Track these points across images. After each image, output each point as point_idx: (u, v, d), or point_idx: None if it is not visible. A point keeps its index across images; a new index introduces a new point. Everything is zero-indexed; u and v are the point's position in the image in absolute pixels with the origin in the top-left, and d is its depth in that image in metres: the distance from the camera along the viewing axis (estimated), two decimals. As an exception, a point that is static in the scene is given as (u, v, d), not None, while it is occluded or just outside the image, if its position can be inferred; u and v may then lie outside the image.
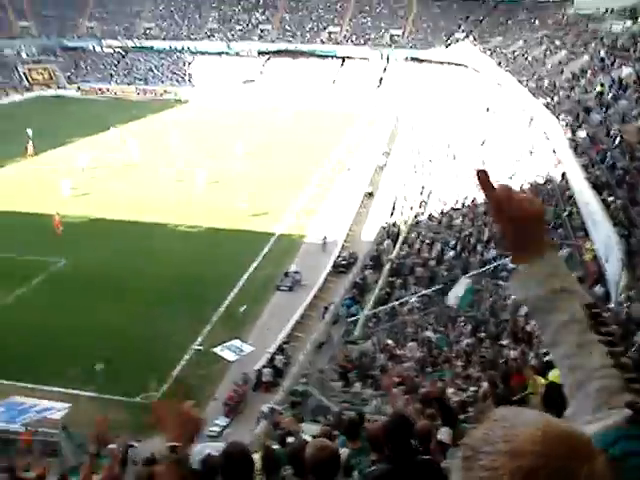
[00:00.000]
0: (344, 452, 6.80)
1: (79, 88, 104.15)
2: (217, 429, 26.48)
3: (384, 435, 4.76)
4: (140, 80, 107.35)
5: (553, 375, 11.25)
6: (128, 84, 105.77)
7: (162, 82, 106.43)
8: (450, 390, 20.59)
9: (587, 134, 35.76)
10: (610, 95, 38.33)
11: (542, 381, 10.95)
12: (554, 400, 5.35)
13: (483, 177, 1.83)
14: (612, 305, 19.34)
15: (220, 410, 28.09)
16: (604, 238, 23.56)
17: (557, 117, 42.86)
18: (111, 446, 22.95)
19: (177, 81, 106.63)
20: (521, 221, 1.79)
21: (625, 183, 26.66)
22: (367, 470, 4.91)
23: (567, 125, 39.79)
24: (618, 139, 31.02)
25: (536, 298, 1.73)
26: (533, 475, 0.98)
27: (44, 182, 53.70)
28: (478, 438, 1.09)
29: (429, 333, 27.14)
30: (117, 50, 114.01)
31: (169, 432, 2.98)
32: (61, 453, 23.73)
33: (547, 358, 15.26)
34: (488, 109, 62.59)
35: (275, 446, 8.82)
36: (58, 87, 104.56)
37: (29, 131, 64.93)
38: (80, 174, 55.15)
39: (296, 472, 5.22)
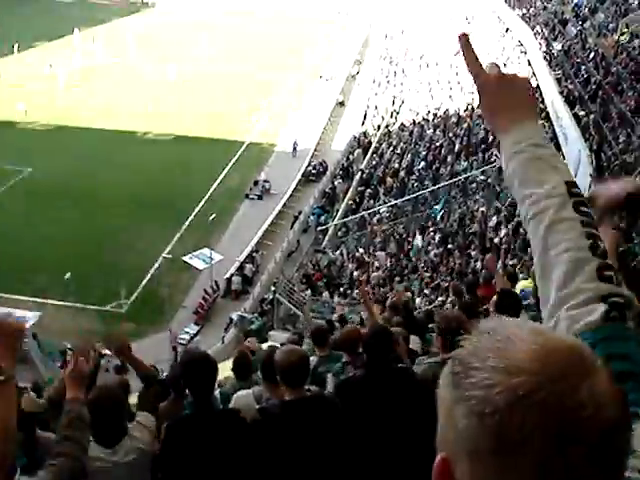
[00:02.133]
0: (313, 359, 6.89)
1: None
2: (187, 337, 26.76)
3: (362, 343, 4.80)
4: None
5: (520, 286, 11.43)
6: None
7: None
8: (418, 299, 20.96)
9: (562, 47, 35.39)
10: (587, 7, 37.77)
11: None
12: (507, 306, 5.38)
13: (465, 41, 1.79)
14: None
15: (190, 318, 28.35)
16: (574, 153, 23.58)
17: (532, 29, 42.31)
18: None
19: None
20: (506, 82, 1.75)
21: (598, 98, 26.56)
22: (343, 376, 4.97)
23: (542, 37, 39.34)
24: (593, 53, 30.76)
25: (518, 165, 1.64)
26: (531, 394, 0.93)
27: (7, 89, 52.09)
28: (468, 352, 1.02)
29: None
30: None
31: None
32: (31, 361, 23.86)
33: (516, 269, 15.48)
34: (468, 20, 61.52)
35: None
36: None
37: None
38: (47, 79, 53.69)
39: (266, 378, 5.27)
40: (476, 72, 1.77)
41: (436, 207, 29.46)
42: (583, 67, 30.40)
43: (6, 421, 2.74)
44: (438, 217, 29.19)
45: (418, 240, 27.09)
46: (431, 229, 28.90)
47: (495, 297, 5.70)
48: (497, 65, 1.75)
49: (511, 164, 1.64)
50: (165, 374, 10.85)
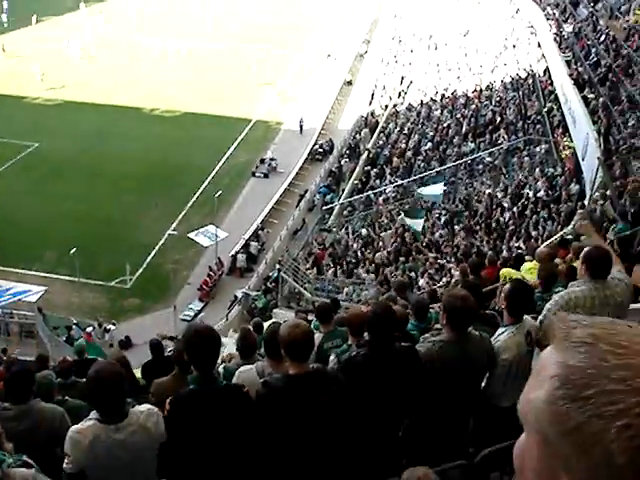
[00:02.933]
0: (317, 337, 6.92)
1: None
2: (191, 313, 26.87)
3: (367, 322, 4.80)
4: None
5: (525, 268, 11.45)
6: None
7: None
8: (422, 280, 20.99)
9: (573, 29, 35.15)
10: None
11: (513, 274, 11.10)
12: (520, 297, 5.33)
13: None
14: (586, 203, 19.50)
15: (194, 294, 28.44)
16: (583, 136, 23.49)
17: (543, 10, 42.02)
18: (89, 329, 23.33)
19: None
20: None
21: (607, 81, 26.41)
22: (346, 355, 4.98)
23: (552, 19, 39.07)
24: (604, 35, 30.55)
25: None
26: None
27: (16, 65, 51.98)
28: (583, 371, 0.90)
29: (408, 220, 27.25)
30: None
31: None
32: (37, 335, 24.02)
33: (519, 251, 15.47)
34: (478, 1, 61.00)
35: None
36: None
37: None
38: (55, 56, 53.51)
39: (269, 353, 5.29)
40: None
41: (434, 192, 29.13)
42: (594, 49, 30.23)
43: None
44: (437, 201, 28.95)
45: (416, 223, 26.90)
46: (436, 210, 28.86)
47: (508, 286, 5.64)
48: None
49: None
50: (169, 350, 10.96)
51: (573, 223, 17.52)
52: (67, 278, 27.60)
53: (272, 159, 38.79)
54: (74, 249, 25.62)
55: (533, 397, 0.98)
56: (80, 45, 55.28)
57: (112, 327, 25.29)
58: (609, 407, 0.87)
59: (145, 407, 4.19)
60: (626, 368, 0.89)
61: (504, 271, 11.66)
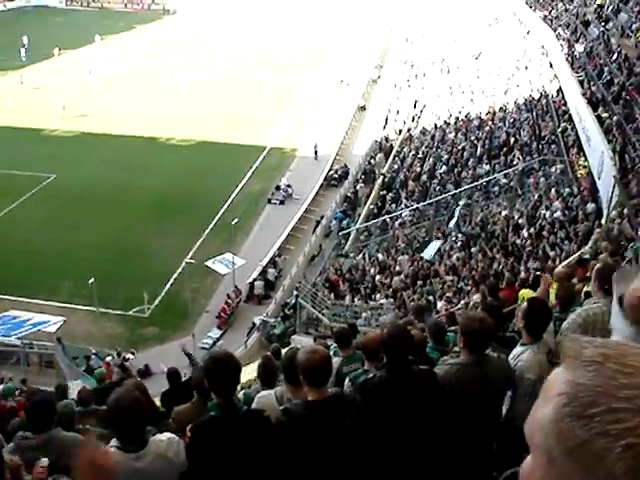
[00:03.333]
0: (336, 361, 6.93)
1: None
2: (210, 341, 26.87)
3: (382, 345, 4.81)
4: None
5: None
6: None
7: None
8: (440, 303, 20.91)
9: (585, 49, 35.19)
10: (610, 8, 37.52)
11: (532, 295, 11.06)
12: (538, 316, 5.31)
13: None
14: (603, 222, 19.42)
15: (213, 322, 28.45)
16: (598, 155, 23.46)
17: (554, 30, 42.13)
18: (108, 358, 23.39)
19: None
20: None
21: (621, 99, 26.38)
22: (362, 378, 4.98)
23: (564, 40, 39.15)
24: (616, 54, 30.56)
25: None
26: None
27: (35, 97, 52.64)
28: (589, 389, 0.90)
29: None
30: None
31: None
32: (57, 365, 24.12)
33: (537, 273, 15.40)
34: (489, 23, 61.30)
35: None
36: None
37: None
38: (72, 88, 54.21)
39: (288, 379, 5.30)
40: None
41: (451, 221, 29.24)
42: (606, 68, 30.22)
43: None
44: (452, 225, 29.07)
45: (430, 249, 26.82)
46: (453, 233, 28.82)
47: (525, 305, 5.62)
48: None
49: None
50: (187, 377, 10.97)
51: (591, 241, 17.48)
52: (86, 308, 27.70)
53: (288, 185, 38.92)
54: (92, 279, 25.75)
55: (540, 416, 0.98)
56: (99, 75, 56.02)
57: (131, 356, 25.34)
58: (614, 425, 0.86)
59: (166, 436, 4.20)
60: (633, 387, 0.89)
61: (523, 292, 11.63)
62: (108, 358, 24.15)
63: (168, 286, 29.78)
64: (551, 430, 0.94)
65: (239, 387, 9.37)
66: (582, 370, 0.93)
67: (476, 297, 13.91)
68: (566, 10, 45.50)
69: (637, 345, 0.98)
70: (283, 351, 10.08)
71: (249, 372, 12.55)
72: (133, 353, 25.70)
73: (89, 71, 56.55)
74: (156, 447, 4.03)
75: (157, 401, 9.20)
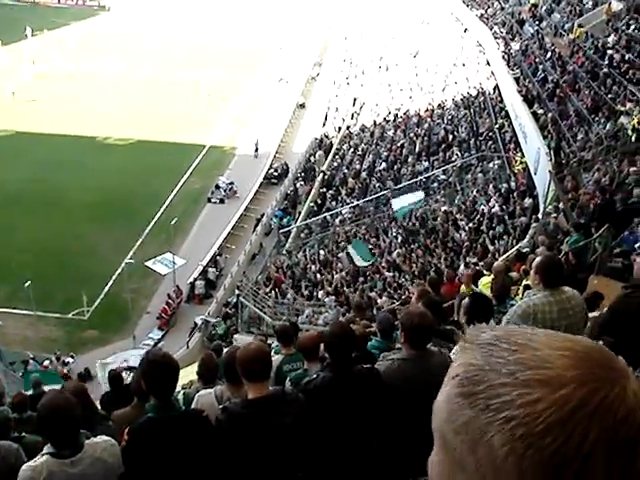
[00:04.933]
0: (277, 358, 6.87)
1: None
2: (151, 342, 26.54)
3: (325, 344, 4.76)
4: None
5: (482, 283, 11.52)
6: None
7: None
8: (381, 299, 21.03)
9: (520, 47, 35.80)
10: (544, 8, 38.25)
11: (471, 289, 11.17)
12: (480, 311, 5.36)
13: None
14: (540, 216, 19.75)
15: (154, 323, 28.12)
16: (534, 151, 23.86)
17: (490, 29, 42.76)
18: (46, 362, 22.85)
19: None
20: None
21: (555, 96, 26.90)
22: (306, 379, 4.91)
23: (500, 38, 39.76)
24: (550, 53, 31.14)
25: None
26: (583, 405, 0.84)
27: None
28: (479, 368, 0.90)
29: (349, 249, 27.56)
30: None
31: None
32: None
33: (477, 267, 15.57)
34: (427, 21, 61.87)
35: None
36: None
37: None
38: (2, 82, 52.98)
39: (228, 377, 5.21)
40: None
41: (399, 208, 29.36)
42: (541, 66, 30.79)
43: None
44: (399, 216, 29.29)
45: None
46: (394, 229, 29.00)
47: (467, 300, 5.65)
48: None
49: None
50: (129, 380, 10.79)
51: (529, 235, 17.78)
52: (23, 312, 27.04)
53: (231, 183, 38.64)
54: (29, 281, 25.19)
55: (437, 400, 0.99)
56: (32, 72, 54.84)
57: (70, 360, 24.86)
58: (494, 400, 0.87)
59: (101, 438, 4.08)
60: (516, 362, 0.89)
61: (463, 287, 11.74)
62: (46, 362, 23.66)
63: (107, 287, 29.30)
64: (443, 411, 0.95)
65: (179, 387, 9.24)
66: (476, 352, 0.94)
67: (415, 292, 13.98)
68: (502, 9, 46.27)
69: (526, 327, 0.99)
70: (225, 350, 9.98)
71: (191, 372, 12.40)
72: (72, 357, 25.22)
73: (32, 61, 55.12)
74: (92, 450, 3.89)
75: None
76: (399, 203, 28.40)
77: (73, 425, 3.86)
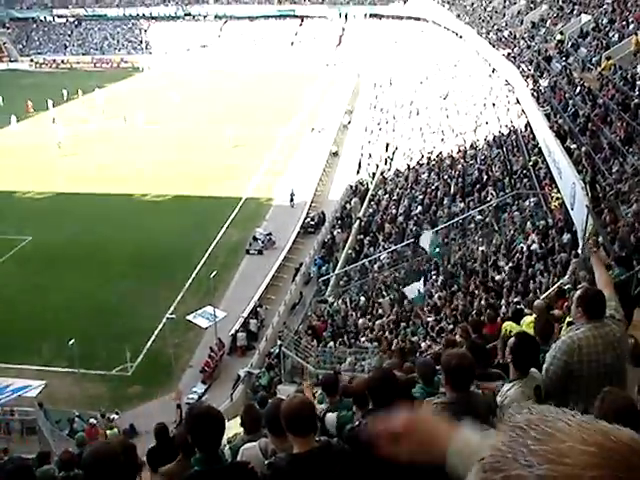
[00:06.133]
0: (322, 407, 6.85)
1: (32, 60, 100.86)
2: (195, 396, 26.51)
3: (367, 389, 4.75)
4: (95, 50, 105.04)
5: (525, 323, 11.39)
6: (83, 54, 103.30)
7: (118, 50, 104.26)
8: (424, 343, 20.84)
9: (548, 83, 35.82)
10: (570, 43, 38.32)
11: (515, 328, 11.03)
12: (526, 350, 5.30)
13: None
14: (580, 251, 19.52)
15: (197, 377, 28.15)
16: (569, 186, 23.68)
17: (518, 67, 42.86)
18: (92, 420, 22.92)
19: (134, 49, 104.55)
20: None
21: (587, 130, 26.78)
22: (348, 426, 4.90)
23: (528, 76, 39.81)
24: (579, 87, 31.10)
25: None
26: None
27: (10, 157, 52.68)
28: (504, 455, 0.89)
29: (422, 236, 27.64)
30: (69, 19, 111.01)
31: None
32: (39, 431, 23.63)
33: (519, 306, 15.40)
34: (455, 64, 62.30)
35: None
36: (10, 61, 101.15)
37: None
38: (43, 148, 54.35)
39: (272, 429, 5.20)
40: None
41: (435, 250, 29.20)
42: (571, 101, 30.72)
43: None
44: (434, 255, 29.09)
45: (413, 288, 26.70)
46: (433, 272, 28.83)
47: (513, 339, 5.58)
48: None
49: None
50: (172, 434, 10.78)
51: (570, 271, 17.55)
52: (66, 370, 27.29)
53: (269, 234, 38.88)
54: (72, 340, 25.45)
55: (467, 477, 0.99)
56: (63, 136, 56.08)
57: (115, 416, 24.94)
58: None
59: None
60: (536, 454, 0.87)
61: (506, 324, 11.62)
62: (92, 420, 23.74)
63: (150, 343, 29.48)
64: None
65: (225, 441, 9.21)
66: (505, 436, 0.93)
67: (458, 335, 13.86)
68: (528, 47, 46.38)
69: (566, 411, 0.96)
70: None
71: (235, 425, 12.37)
72: (117, 413, 25.29)
73: (52, 119, 56.40)
74: None
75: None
76: (426, 242, 28.20)
77: (116, 474, 3.89)
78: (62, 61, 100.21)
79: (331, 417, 6.33)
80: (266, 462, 4.50)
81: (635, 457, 0.84)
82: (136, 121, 61.17)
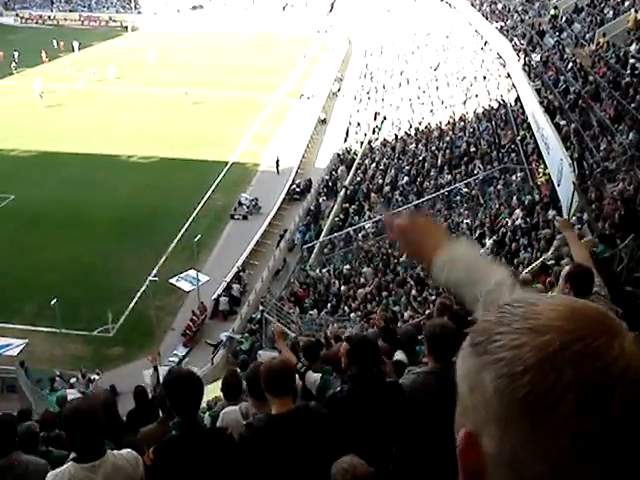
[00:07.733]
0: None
1: (17, 15, 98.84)
2: (176, 359, 26.59)
3: (348, 356, 4.74)
4: (83, 7, 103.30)
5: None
6: (70, 11, 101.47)
7: (107, 9, 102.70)
8: (406, 313, 20.94)
9: (541, 58, 35.69)
10: (564, 19, 38.14)
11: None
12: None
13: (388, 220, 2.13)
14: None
15: (178, 340, 28.19)
16: (557, 162, 23.71)
17: (510, 41, 42.68)
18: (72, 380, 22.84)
19: (122, 7, 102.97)
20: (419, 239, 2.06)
21: (577, 107, 26.74)
22: (329, 392, 4.90)
23: (520, 50, 39.66)
24: (571, 63, 31.01)
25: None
26: (563, 350, 0.92)
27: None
28: (490, 322, 1.02)
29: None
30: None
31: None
32: (20, 390, 23.63)
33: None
34: (447, 36, 61.89)
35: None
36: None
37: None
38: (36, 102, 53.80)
39: (252, 393, 5.19)
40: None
41: None
42: (562, 77, 30.65)
43: None
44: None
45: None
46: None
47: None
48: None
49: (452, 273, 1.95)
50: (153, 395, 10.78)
51: (553, 247, 17.61)
52: (48, 330, 27.18)
53: (255, 199, 38.73)
54: (55, 300, 25.35)
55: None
56: (50, 93, 55.44)
57: (96, 377, 24.95)
58: (491, 345, 0.98)
59: (125, 451, 4.10)
60: (516, 314, 1.00)
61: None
62: (72, 379, 23.75)
63: (132, 305, 29.42)
64: (457, 365, 1.06)
65: (205, 405, 9.23)
66: (495, 313, 1.04)
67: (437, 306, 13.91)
68: (521, 21, 46.18)
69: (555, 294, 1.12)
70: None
71: (215, 389, 12.41)
72: (98, 373, 25.31)
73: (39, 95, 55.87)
74: (113, 459, 3.91)
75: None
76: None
77: (95, 430, 3.88)
78: (49, 17, 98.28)
79: (313, 376, 6.34)
80: (244, 422, 4.50)
81: (596, 313, 1.00)
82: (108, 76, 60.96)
